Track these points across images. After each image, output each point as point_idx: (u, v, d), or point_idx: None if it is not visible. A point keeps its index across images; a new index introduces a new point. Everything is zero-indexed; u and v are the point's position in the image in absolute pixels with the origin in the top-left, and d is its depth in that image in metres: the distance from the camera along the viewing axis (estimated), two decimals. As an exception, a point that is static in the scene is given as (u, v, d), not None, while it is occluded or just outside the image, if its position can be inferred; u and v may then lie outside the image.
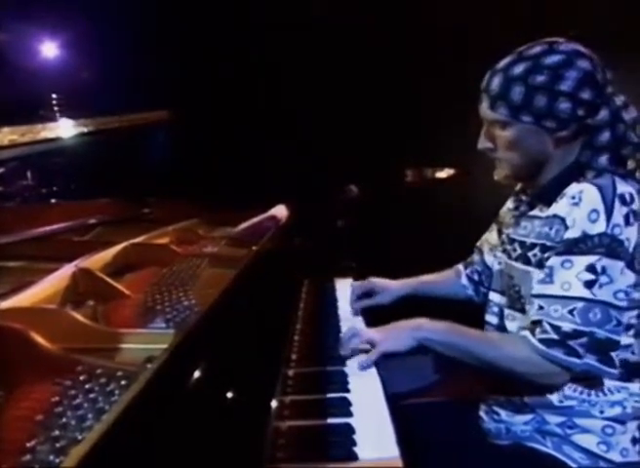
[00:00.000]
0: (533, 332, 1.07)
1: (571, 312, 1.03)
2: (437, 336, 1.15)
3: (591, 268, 1.03)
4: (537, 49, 1.10)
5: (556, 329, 1.04)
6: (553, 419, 1.14)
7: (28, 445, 0.66)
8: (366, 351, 1.21)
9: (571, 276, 1.04)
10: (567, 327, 1.03)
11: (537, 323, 1.07)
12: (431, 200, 3.14)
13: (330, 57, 2.97)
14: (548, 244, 1.11)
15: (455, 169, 3.24)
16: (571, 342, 1.03)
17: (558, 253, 1.07)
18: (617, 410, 1.11)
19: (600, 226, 1.03)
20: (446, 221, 2.87)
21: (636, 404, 1.12)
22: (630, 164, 1.12)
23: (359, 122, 3.00)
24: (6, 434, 0.69)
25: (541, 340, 1.05)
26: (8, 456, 0.65)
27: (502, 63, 1.13)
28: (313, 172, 3.07)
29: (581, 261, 1.04)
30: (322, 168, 3.03)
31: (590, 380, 1.11)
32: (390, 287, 1.53)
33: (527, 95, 1.08)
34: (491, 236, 1.44)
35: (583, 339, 1.03)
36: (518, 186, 1.33)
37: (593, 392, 1.11)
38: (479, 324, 1.33)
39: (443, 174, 3.27)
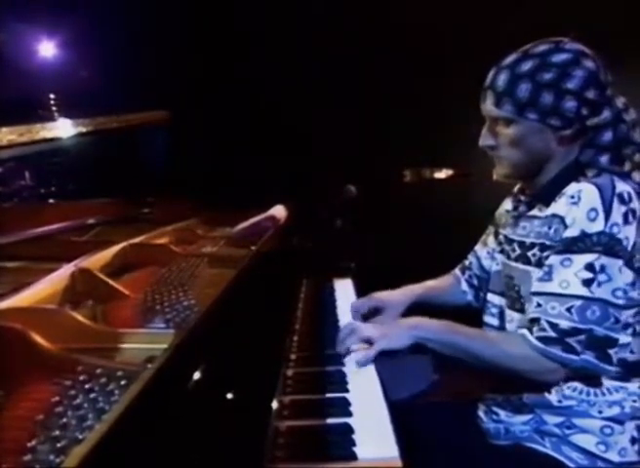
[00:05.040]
0: (530, 330, 1.08)
1: (568, 310, 1.04)
2: (434, 335, 1.15)
3: (590, 267, 1.04)
4: (543, 47, 1.11)
5: (554, 326, 1.05)
6: (552, 419, 1.15)
7: (29, 444, 0.66)
8: (363, 348, 1.20)
9: (569, 274, 1.05)
10: (564, 324, 1.04)
11: (534, 320, 1.08)
12: (430, 200, 3.14)
13: (330, 56, 2.97)
14: (548, 243, 1.12)
15: (454, 169, 3.24)
16: (568, 339, 1.04)
17: (557, 252, 1.08)
18: (615, 410, 1.11)
19: (599, 225, 1.04)
20: (444, 222, 2.88)
21: (634, 404, 1.12)
22: (627, 165, 1.13)
23: (358, 122, 3.01)
24: (6, 434, 0.69)
25: (539, 338, 1.06)
26: (8, 456, 0.65)
27: (508, 60, 1.14)
28: (312, 172, 3.07)
29: (580, 260, 1.04)
30: (321, 168, 3.03)
31: (590, 379, 1.11)
32: (394, 300, 1.46)
33: (533, 92, 1.08)
34: (488, 239, 1.44)
35: (581, 337, 1.04)
36: (516, 188, 1.33)
37: (592, 392, 1.11)
38: (477, 325, 1.33)
39: (442, 174, 3.28)
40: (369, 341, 1.19)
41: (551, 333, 1.05)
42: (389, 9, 2.91)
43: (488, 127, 1.19)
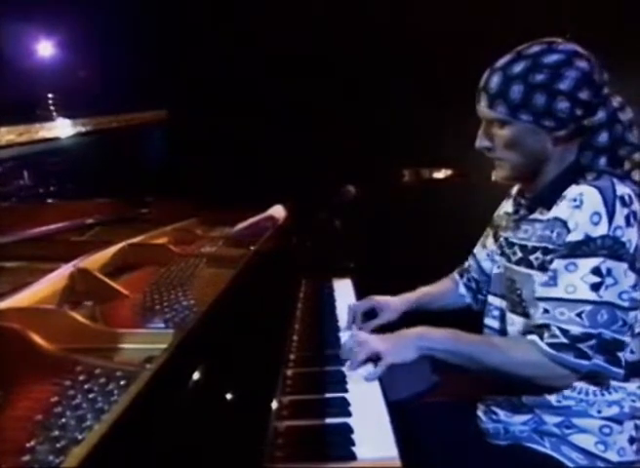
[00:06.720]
0: (541, 337, 1.06)
1: (579, 315, 1.03)
2: (442, 345, 1.13)
3: (596, 271, 1.03)
4: (536, 48, 1.11)
5: (565, 332, 1.04)
6: (551, 419, 1.14)
7: (28, 445, 0.66)
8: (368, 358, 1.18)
9: (576, 279, 1.04)
10: (575, 330, 1.03)
11: (543, 326, 1.06)
12: (429, 200, 3.14)
13: (328, 56, 2.97)
14: (550, 247, 1.11)
15: (452, 170, 3.24)
16: (580, 345, 1.03)
17: (561, 257, 1.07)
18: (614, 410, 1.11)
19: (602, 228, 1.03)
20: (443, 222, 2.88)
21: (633, 403, 1.12)
22: (627, 165, 1.12)
23: (357, 122, 3.01)
24: (5, 434, 0.69)
25: (551, 344, 1.04)
26: (7, 457, 0.65)
27: (501, 62, 1.13)
28: (311, 172, 3.07)
29: (586, 264, 1.04)
30: (320, 168, 3.03)
31: (595, 378, 1.11)
32: (391, 305, 1.47)
33: (526, 93, 1.08)
34: (487, 241, 1.44)
35: (592, 341, 1.03)
36: (514, 189, 1.33)
37: (591, 392, 1.11)
38: (477, 327, 1.32)
39: (441, 174, 3.28)
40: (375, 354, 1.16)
41: (563, 340, 1.04)
42: (389, 10, 2.92)
43: (483, 128, 1.19)
